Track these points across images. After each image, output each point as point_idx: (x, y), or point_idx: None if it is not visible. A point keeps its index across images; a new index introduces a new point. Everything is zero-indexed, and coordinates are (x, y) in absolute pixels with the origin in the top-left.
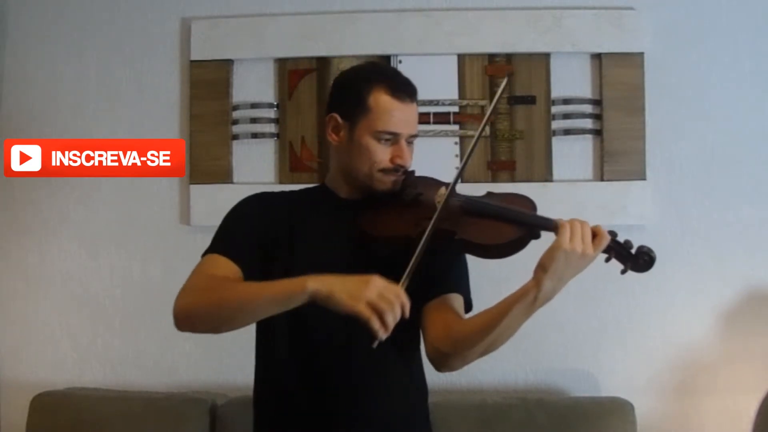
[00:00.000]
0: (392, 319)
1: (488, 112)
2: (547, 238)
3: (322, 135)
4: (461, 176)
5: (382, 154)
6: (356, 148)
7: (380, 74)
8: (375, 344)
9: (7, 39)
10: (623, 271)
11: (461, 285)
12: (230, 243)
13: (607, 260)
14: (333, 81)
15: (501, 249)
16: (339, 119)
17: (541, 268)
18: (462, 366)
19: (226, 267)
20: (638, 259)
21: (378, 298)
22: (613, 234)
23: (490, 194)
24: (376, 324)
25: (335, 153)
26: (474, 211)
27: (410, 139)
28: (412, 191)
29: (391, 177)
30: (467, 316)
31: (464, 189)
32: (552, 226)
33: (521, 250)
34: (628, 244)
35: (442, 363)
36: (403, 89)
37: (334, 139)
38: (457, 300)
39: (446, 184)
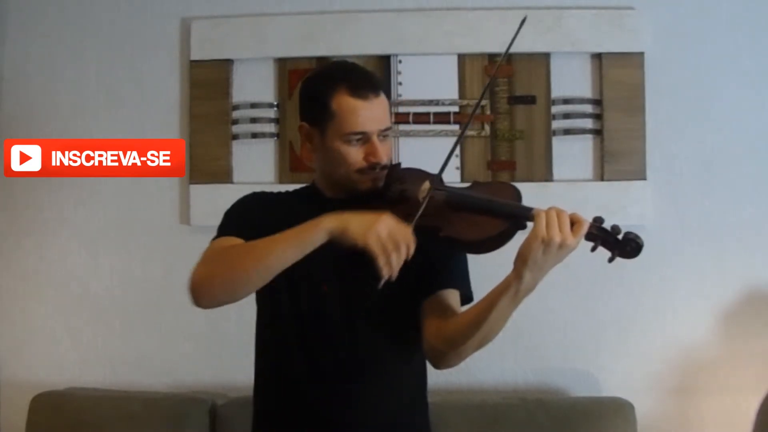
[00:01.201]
0: (397, 261)
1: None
2: None
3: None
4: (445, 170)
5: (355, 156)
6: (329, 153)
7: (339, 76)
8: (380, 284)
9: (7, 39)
10: (611, 259)
11: (457, 280)
12: (239, 226)
13: (593, 249)
14: (299, 89)
15: (486, 243)
16: (308, 127)
17: (520, 259)
18: (459, 362)
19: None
20: (625, 246)
21: (387, 237)
22: (598, 221)
23: (476, 183)
24: (382, 261)
25: (314, 159)
26: (457, 205)
27: (384, 133)
28: (396, 187)
29: (368, 176)
30: (464, 309)
31: None
32: (531, 216)
33: (508, 242)
34: (615, 230)
35: (438, 360)
36: (364, 86)
37: (308, 147)
38: (452, 296)
39: (431, 177)
